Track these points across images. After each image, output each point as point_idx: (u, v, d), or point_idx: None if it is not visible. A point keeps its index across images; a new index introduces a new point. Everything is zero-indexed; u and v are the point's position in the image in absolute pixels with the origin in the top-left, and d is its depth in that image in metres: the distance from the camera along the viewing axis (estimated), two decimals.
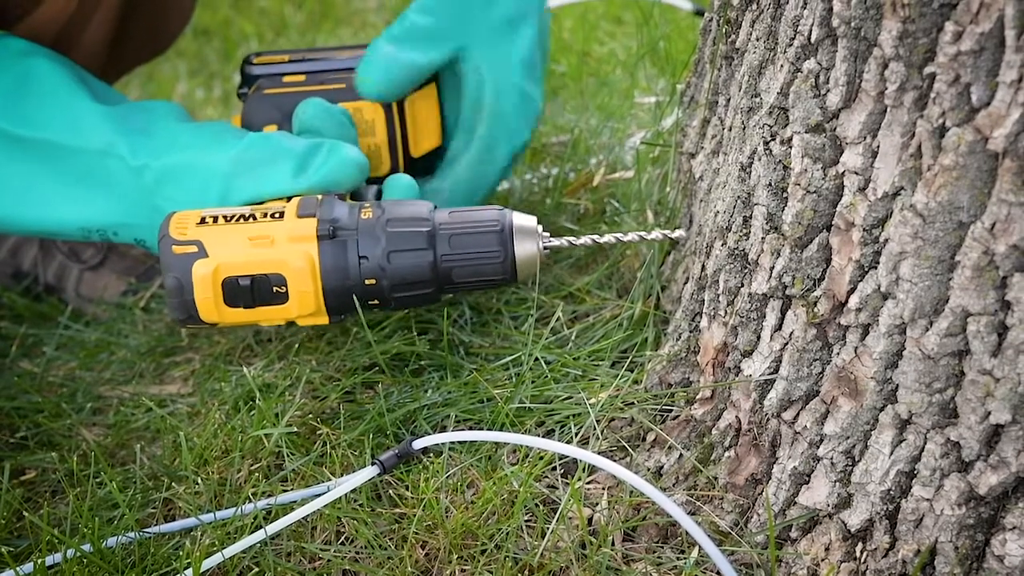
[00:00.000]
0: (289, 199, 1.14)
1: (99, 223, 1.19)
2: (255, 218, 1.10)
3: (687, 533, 0.99)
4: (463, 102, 1.32)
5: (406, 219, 1.11)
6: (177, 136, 1.18)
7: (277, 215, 1.10)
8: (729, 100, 1.12)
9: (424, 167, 1.34)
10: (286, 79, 1.29)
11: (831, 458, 0.96)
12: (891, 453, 0.93)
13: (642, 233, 1.16)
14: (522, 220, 1.13)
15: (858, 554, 0.96)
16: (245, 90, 1.31)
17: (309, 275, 1.09)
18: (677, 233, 1.15)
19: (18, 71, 1.20)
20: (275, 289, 1.10)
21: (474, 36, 1.30)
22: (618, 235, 1.16)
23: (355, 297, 1.12)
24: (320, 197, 1.13)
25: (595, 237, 1.16)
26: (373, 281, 1.11)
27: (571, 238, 1.16)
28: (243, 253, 1.09)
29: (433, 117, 1.34)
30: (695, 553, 0.99)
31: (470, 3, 1.30)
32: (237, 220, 1.10)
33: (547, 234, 1.14)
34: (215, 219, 1.11)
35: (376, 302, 1.13)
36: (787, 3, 0.97)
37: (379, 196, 1.19)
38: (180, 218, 1.11)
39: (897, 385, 0.91)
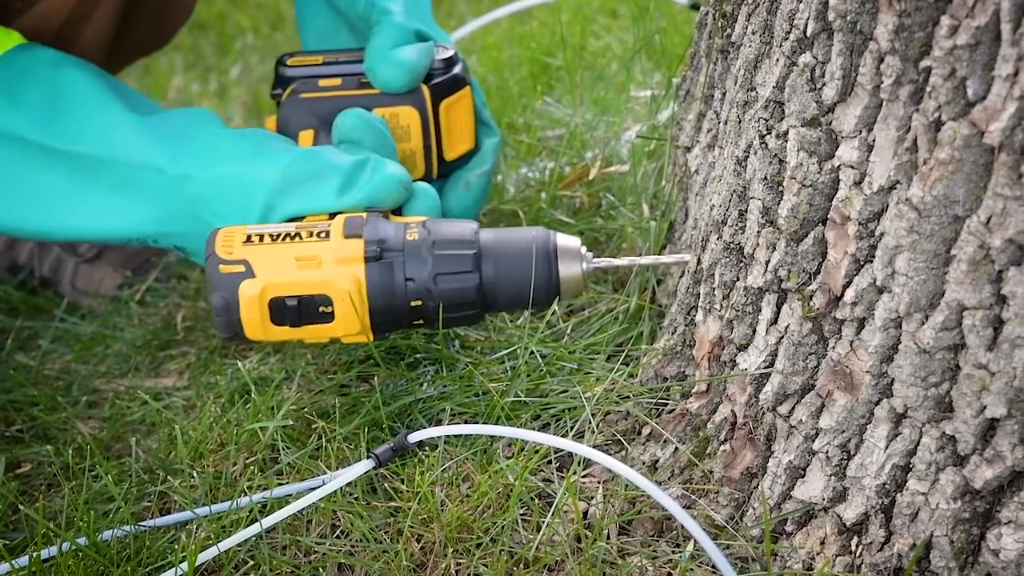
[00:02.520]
0: (332, 215, 1.14)
1: (138, 232, 1.18)
2: (301, 237, 1.10)
3: (682, 527, 0.99)
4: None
5: (452, 241, 1.11)
6: (219, 145, 1.17)
7: (323, 234, 1.10)
8: (725, 94, 1.12)
9: (456, 167, 1.35)
10: (322, 83, 1.29)
11: (826, 452, 0.96)
12: (886, 447, 0.93)
13: (684, 256, 1.15)
14: (566, 241, 1.13)
15: (853, 548, 0.96)
16: (279, 92, 1.30)
17: (356, 296, 1.09)
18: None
19: (50, 82, 1.19)
20: (321, 309, 1.10)
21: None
22: (659, 257, 1.16)
23: (400, 318, 1.12)
24: (365, 215, 1.12)
25: (638, 259, 1.15)
26: (419, 302, 1.11)
27: (614, 259, 1.15)
28: (290, 274, 1.09)
29: (467, 121, 1.34)
30: (690, 547, 0.99)
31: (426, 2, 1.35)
32: (283, 239, 1.10)
33: (591, 254, 1.14)
34: (261, 238, 1.10)
35: (421, 322, 1.13)
36: None
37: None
38: (226, 235, 1.11)
39: (893, 379, 0.91)
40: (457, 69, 1.30)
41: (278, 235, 1.10)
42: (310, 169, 1.14)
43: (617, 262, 1.15)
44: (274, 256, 1.09)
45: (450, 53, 1.30)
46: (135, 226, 1.18)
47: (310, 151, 1.17)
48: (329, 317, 1.10)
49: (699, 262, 1.09)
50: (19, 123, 1.18)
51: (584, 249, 1.13)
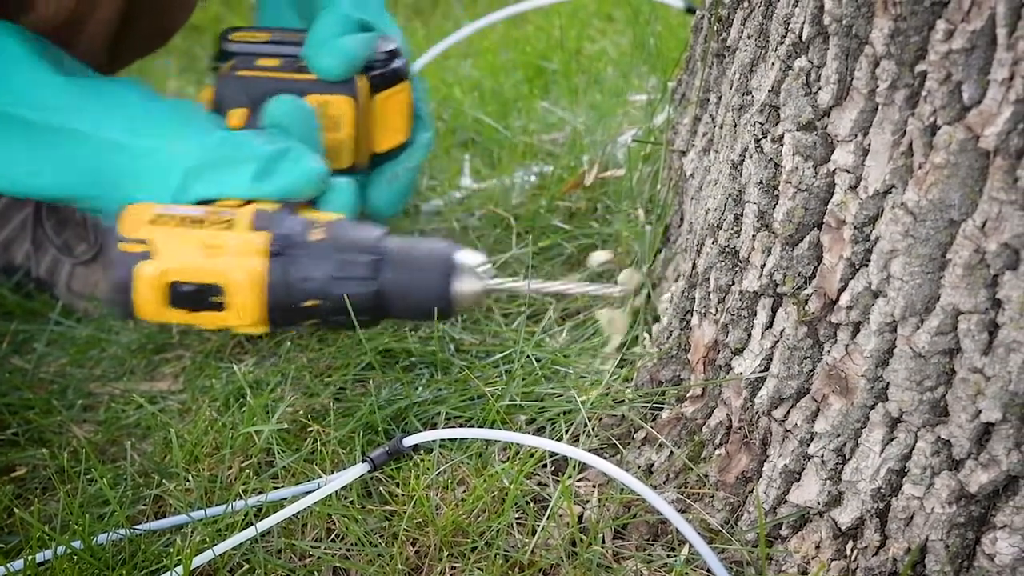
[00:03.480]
0: (244, 201, 1.16)
1: (63, 193, 1.20)
2: (207, 223, 1.12)
3: (677, 531, 0.99)
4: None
5: (355, 246, 1.13)
6: (145, 116, 1.19)
7: (230, 224, 1.12)
8: (720, 98, 1.12)
9: (386, 159, 1.35)
10: (260, 62, 1.30)
11: (822, 456, 0.96)
12: (882, 451, 0.93)
13: (588, 287, 1.19)
14: (466, 258, 1.15)
15: (848, 552, 0.96)
16: (219, 64, 1.32)
17: (253, 290, 1.11)
18: (619, 289, 1.19)
19: None
20: (217, 298, 1.12)
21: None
22: (567, 286, 1.19)
23: (295, 315, 1.14)
24: (274, 208, 1.14)
25: (542, 286, 1.18)
26: (316, 302, 1.13)
27: (514, 283, 1.18)
28: (191, 259, 1.11)
29: (402, 114, 1.34)
30: (685, 551, 0.99)
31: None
32: (190, 223, 1.12)
33: (491, 273, 1.16)
34: (168, 219, 1.12)
35: (316, 321, 1.15)
36: (778, 1, 0.97)
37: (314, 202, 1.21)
38: (133, 213, 1.13)
39: (888, 383, 0.91)
40: (398, 63, 1.32)
41: (185, 218, 1.12)
42: (228, 153, 1.16)
43: (517, 286, 1.17)
44: (177, 239, 1.11)
45: (393, 46, 1.32)
46: (60, 187, 1.20)
47: (232, 135, 1.19)
48: (224, 307, 1.12)
49: (694, 266, 1.09)
50: None
51: (484, 268, 1.15)
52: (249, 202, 1.16)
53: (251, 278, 1.10)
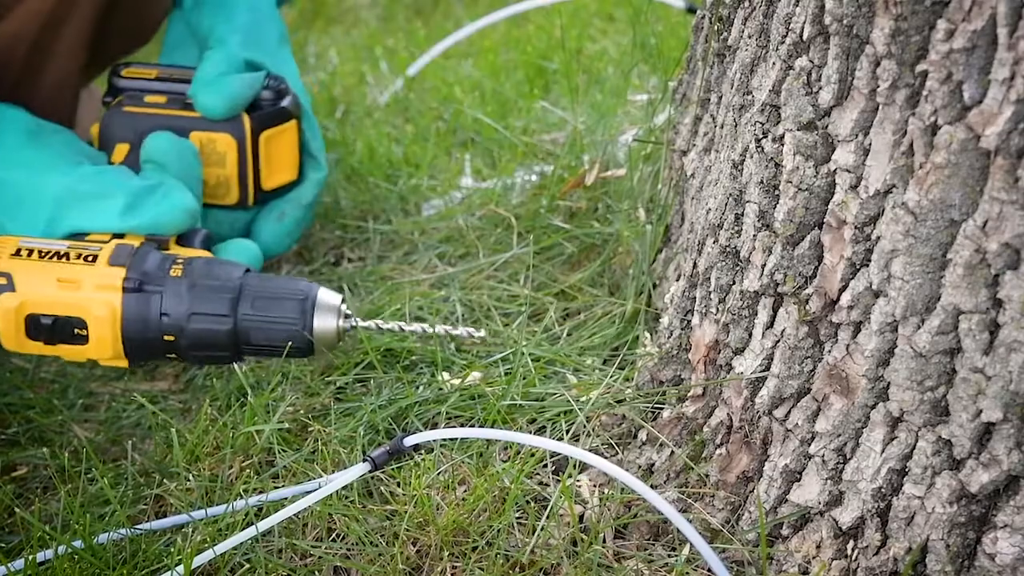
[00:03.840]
0: (114, 236, 1.17)
1: None
2: (68, 258, 1.14)
3: (678, 530, 0.99)
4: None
5: (213, 283, 1.15)
6: (20, 149, 1.20)
7: (90, 258, 1.14)
8: (721, 97, 1.12)
9: (276, 195, 1.38)
10: (148, 98, 1.32)
11: (822, 456, 0.96)
12: (882, 451, 0.93)
13: (448, 328, 1.20)
14: (326, 297, 1.17)
15: (849, 552, 0.96)
16: (109, 99, 1.33)
17: (109, 324, 1.13)
18: (480, 333, 1.20)
19: None
20: (76, 331, 1.14)
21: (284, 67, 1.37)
22: (426, 327, 1.20)
23: (154, 349, 1.16)
24: (137, 244, 1.16)
25: (403, 325, 1.20)
26: (172, 338, 1.15)
27: (379, 322, 1.20)
28: (50, 293, 1.13)
29: (289, 153, 1.36)
30: (686, 551, 0.99)
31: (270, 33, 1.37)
32: (51, 258, 1.14)
33: (350, 312, 1.18)
34: (30, 252, 1.14)
35: (174, 355, 1.17)
36: (779, 0, 0.97)
37: (206, 242, 1.22)
38: None
39: (889, 383, 0.91)
40: (285, 102, 1.33)
41: (47, 252, 1.15)
42: (95, 188, 1.18)
43: (384, 325, 1.19)
44: (37, 273, 1.14)
45: (282, 86, 1.33)
46: None
47: (103, 169, 1.21)
48: (83, 340, 1.15)
49: (695, 266, 1.09)
50: None
51: (344, 307, 1.17)
52: (119, 236, 1.17)
53: (106, 313, 1.13)
